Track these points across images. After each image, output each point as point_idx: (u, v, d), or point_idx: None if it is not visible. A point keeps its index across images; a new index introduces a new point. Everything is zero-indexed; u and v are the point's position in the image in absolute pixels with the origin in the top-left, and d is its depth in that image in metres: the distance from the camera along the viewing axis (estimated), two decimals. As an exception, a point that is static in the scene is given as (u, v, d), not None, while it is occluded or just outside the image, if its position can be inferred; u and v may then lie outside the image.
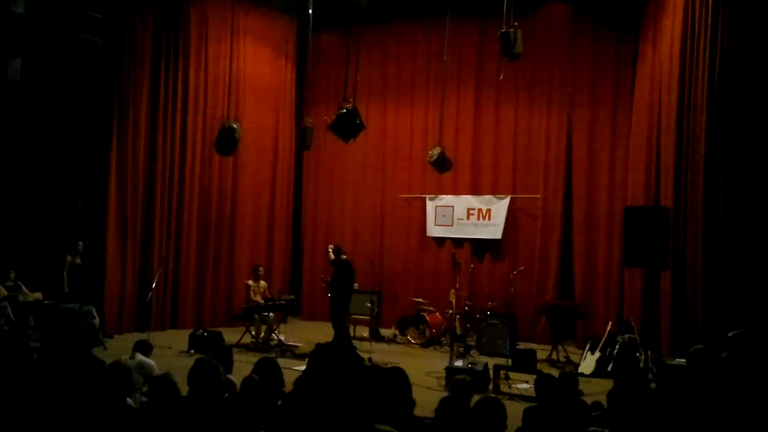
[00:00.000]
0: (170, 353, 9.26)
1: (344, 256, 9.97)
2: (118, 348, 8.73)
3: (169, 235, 11.46)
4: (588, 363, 8.73)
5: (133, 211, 10.92)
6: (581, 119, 11.38)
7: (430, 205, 12.55)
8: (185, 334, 9.94)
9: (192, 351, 9.31)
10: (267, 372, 4.53)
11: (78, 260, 10.00)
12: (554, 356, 9.44)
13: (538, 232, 11.63)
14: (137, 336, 8.87)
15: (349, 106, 8.48)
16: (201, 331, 9.84)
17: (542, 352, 9.40)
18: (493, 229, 11.87)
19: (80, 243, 10.07)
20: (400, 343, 11.00)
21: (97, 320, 9.46)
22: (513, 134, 11.99)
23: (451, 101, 12.12)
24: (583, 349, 9.18)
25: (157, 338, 9.76)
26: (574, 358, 9.44)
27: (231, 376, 4.81)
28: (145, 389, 5.20)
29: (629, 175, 10.62)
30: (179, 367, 6.60)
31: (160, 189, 11.27)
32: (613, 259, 10.81)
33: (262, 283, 10.69)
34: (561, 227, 11.48)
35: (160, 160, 11.28)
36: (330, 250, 10.11)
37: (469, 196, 12.20)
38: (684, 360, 7.53)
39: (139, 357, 5.81)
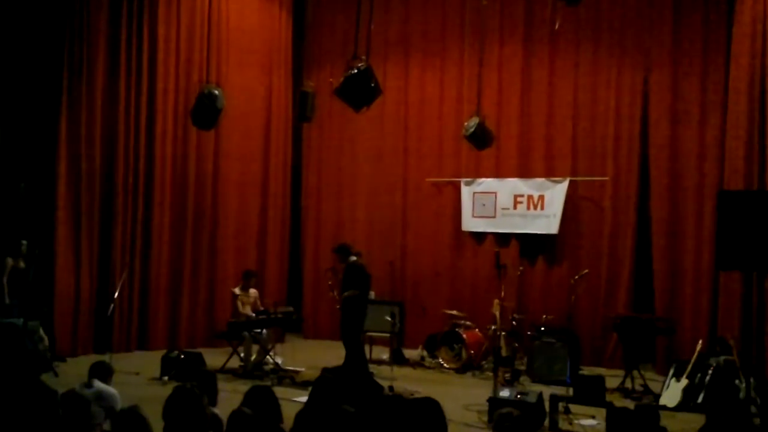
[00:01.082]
0: (138, 380, 9.33)
1: (354, 258, 9.98)
2: (73, 374, 8.82)
3: (134, 232, 11.53)
4: (672, 392, 8.69)
5: (89, 202, 11.00)
6: (661, 80, 11.23)
7: (466, 192, 12.51)
8: (157, 356, 10.02)
9: (165, 377, 9.39)
10: (261, 404, 4.55)
11: (21, 264, 10.08)
12: (628, 384, 9.40)
13: (606, 224, 11.55)
14: (96, 359, 8.93)
15: (362, 65, 8.42)
16: (176, 352, 9.91)
17: (613, 378, 9.37)
18: (547, 222, 11.81)
19: (23, 242, 10.16)
20: (429, 367, 11.02)
21: (46, 339, 9.54)
22: (573, 99, 11.89)
23: (493, 58, 12.05)
24: (666, 374, 9.13)
25: (122, 361, 9.85)
26: (654, 386, 9.38)
27: (216, 410, 4.83)
28: (106, 426, 5.24)
29: (725, 152, 10.51)
30: (150, 397, 6.65)
31: (122, 173, 11.34)
32: (703, 259, 10.72)
33: (252, 291, 10.72)
34: (636, 218, 11.38)
35: (122, 136, 11.34)
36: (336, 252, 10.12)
37: (516, 179, 12.15)
38: (798, 389, 7.45)
39: (98, 385, 5.85)
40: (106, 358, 9.18)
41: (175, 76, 11.97)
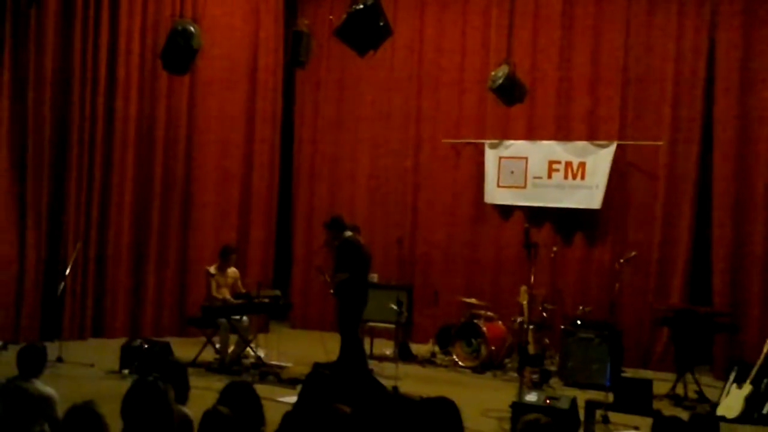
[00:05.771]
0: (93, 374, 9.39)
1: (349, 233, 9.95)
2: (14, 363, 8.84)
3: (90, 197, 11.54)
4: (733, 401, 8.72)
5: (37, 162, 10.96)
6: (731, 30, 11.11)
7: (490, 156, 12.50)
8: (115, 345, 10.06)
9: (125, 371, 9.42)
10: (240, 403, 4.57)
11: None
12: (680, 390, 9.43)
13: (659, 199, 11.54)
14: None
15: (368, 0, 8.38)
16: (139, 341, 9.95)
17: (662, 383, 9.39)
18: (588, 194, 11.79)
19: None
20: (441, 365, 11.09)
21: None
22: (623, 48, 11.83)
23: (527, -6, 12.01)
24: (726, 380, 9.16)
25: (74, 351, 9.90)
26: (710, 393, 9.42)
27: (186, 409, 4.85)
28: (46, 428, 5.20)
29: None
30: (107, 393, 6.67)
31: (77, 127, 11.31)
32: (775, 243, 10.73)
33: (231, 271, 10.71)
34: (695, 193, 11.38)
35: (78, 82, 11.30)
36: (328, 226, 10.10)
37: (552, 141, 12.13)
38: None
39: (36, 384, 5.63)
40: (55, 345, 9.25)
41: (142, 10, 11.90)
